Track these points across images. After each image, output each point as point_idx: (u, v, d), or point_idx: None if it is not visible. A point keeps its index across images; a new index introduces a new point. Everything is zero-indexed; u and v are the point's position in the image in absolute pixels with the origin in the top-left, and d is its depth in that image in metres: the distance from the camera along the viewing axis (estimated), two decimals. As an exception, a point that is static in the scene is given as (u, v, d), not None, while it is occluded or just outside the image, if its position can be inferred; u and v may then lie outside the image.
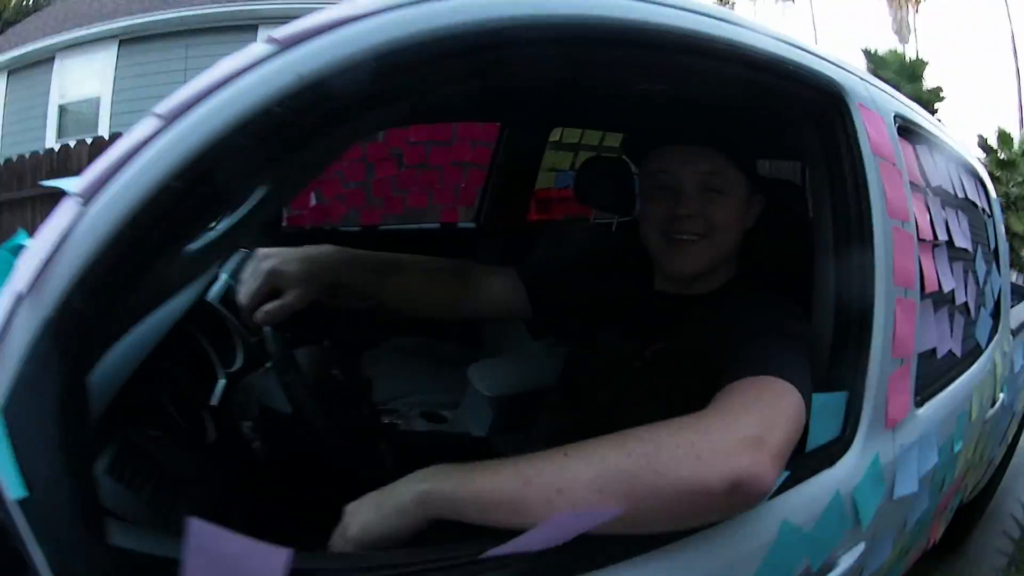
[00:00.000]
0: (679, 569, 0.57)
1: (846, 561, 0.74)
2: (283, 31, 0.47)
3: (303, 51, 0.46)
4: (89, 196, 0.43)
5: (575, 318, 1.01)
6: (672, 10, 0.61)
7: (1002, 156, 11.67)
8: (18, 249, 0.56)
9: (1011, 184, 11.30)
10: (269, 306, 0.78)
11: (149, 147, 0.44)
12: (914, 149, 1.00)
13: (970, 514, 2.11)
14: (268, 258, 0.79)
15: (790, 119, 0.85)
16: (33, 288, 0.42)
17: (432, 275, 0.97)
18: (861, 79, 0.90)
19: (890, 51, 10.48)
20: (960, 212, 1.16)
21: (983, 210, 1.40)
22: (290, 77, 0.45)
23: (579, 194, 1.48)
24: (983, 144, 11.96)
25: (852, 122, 0.81)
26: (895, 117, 0.94)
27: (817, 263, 0.83)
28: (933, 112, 9.75)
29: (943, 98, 9.86)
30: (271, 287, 0.78)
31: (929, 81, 10.39)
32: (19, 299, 0.42)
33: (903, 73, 9.75)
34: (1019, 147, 11.66)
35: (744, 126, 0.89)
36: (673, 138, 0.88)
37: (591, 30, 0.55)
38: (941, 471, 1.04)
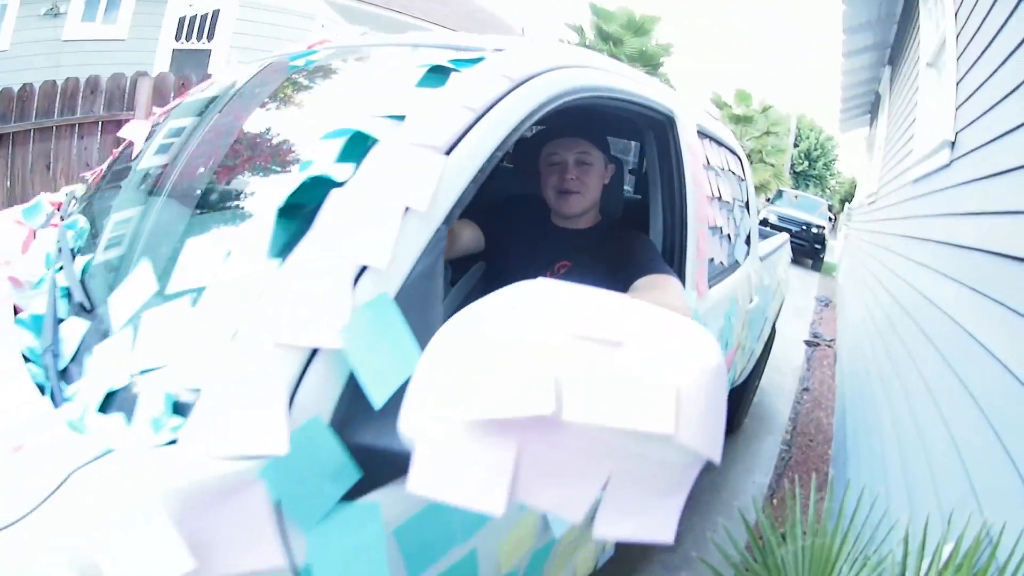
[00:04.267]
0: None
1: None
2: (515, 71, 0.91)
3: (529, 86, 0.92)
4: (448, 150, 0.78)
5: (503, 245, 1.48)
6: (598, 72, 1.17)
7: (738, 112, 13.13)
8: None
9: (746, 138, 12.99)
10: None
11: (475, 128, 0.80)
12: (706, 144, 1.75)
13: (740, 399, 2.88)
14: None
15: (637, 125, 1.49)
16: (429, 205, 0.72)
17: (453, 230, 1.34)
18: (682, 104, 1.59)
19: (620, 7, 10.73)
20: (727, 178, 1.97)
21: (738, 176, 2.26)
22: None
23: None
24: (717, 101, 13.65)
25: (676, 132, 1.49)
26: (697, 126, 1.67)
27: (652, 209, 1.52)
28: (659, 65, 10.41)
29: (671, 53, 10.55)
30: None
31: (671, 40, 10.79)
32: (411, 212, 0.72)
33: (630, 27, 10.28)
34: (759, 105, 13.62)
35: (601, 126, 1.48)
36: (560, 134, 1.44)
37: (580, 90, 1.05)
38: (725, 332, 1.83)
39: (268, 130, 1.10)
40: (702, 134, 1.75)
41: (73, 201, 1.37)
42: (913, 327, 2.17)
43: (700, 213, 1.56)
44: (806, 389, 4.00)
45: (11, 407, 0.66)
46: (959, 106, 2.21)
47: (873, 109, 8.00)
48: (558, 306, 0.53)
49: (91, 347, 0.75)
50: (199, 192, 0.99)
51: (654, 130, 1.48)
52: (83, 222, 1.11)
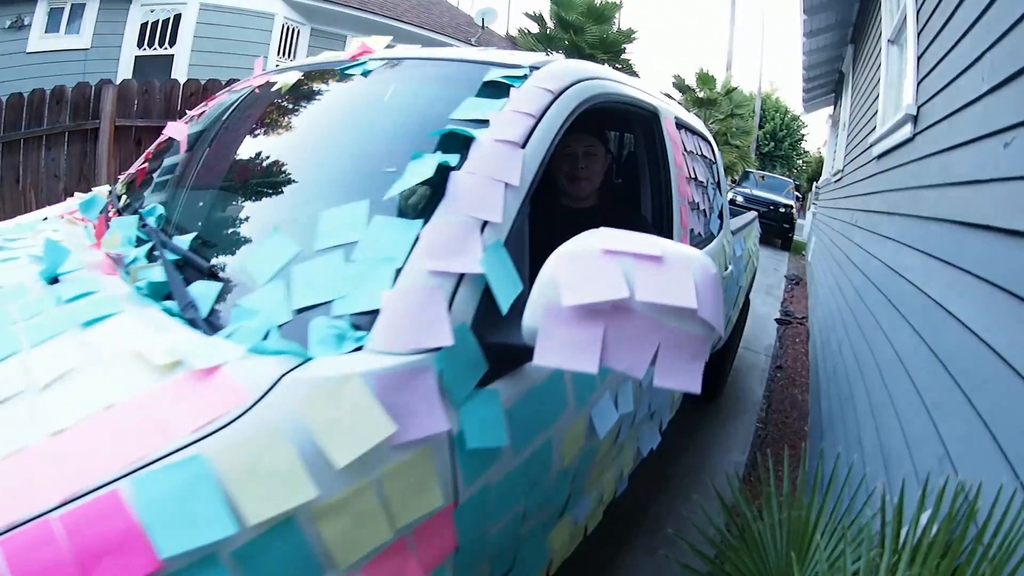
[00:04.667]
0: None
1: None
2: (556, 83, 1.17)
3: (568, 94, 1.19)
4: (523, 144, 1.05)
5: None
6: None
7: (701, 95, 13.19)
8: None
9: (711, 121, 13.08)
10: None
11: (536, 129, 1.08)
12: (683, 133, 1.80)
13: (720, 365, 3.00)
14: None
15: (629, 121, 1.61)
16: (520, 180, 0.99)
17: None
18: (664, 101, 1.71)
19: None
20: (700, 162, 2.01)
21: (710, 160, 2.30)
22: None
23: None
24: (679, 84, 13.77)
25: (660, 124, 1.55)
26: (675, 118, 1.78)
27: (642, 189, 1.60)
28: (621, 51, 10.45)
29: (634, 39, 10.54)
30: None
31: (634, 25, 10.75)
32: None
33: (591, 15, 10.23)
34: (722, 87, 13.76)
35: (604, 123, 1.63)
36: (573, 131, 1.54)
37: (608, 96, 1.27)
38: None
39: (357, 124, 1.30)
40: (679, 125, 1.92)
41: (122, 197, 1.53)
42: (882, 299, 2.22)
43: (682, 191, 1.72)
44: (779, 367, 4.00)
45: (185, 342, 0.81)
46: (920, 80, 2.26)
47: (837, 88, 8.15)
48: (620, 239, 0.83)
49: (226, 303, 0.93)
50: (305, 176, 1.20)
51: (642, 124, 1.66)
52: (161, 209, 1.28)
